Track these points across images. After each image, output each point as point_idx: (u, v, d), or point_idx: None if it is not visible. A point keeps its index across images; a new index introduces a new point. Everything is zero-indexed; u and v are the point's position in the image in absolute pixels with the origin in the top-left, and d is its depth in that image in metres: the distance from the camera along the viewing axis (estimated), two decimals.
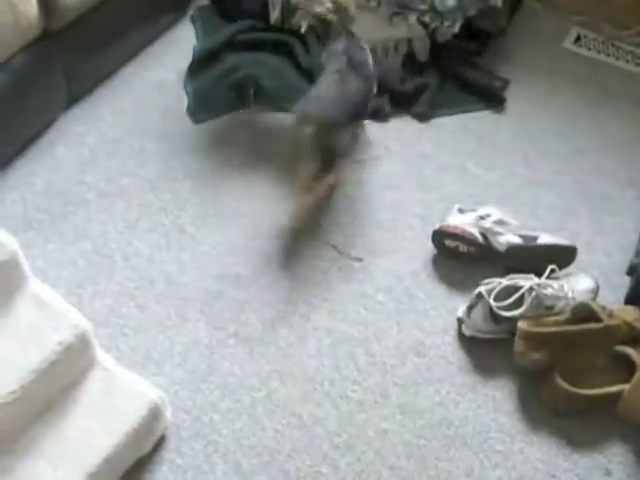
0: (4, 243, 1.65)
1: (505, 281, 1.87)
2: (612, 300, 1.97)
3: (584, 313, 1.84)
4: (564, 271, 1.98)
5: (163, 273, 2.02)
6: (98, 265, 2.04)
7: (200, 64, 2.63)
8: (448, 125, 2.49)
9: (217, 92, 2.55)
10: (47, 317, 1.63)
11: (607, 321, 1.81)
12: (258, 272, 2.03)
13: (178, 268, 2.03)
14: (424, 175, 2.31)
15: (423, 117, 2.50)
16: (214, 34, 2.74)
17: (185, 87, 2.58)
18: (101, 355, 1.73)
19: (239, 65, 2.58)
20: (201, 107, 2.52)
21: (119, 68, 2.65)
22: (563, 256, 2.01)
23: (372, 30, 2.60)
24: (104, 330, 1.87)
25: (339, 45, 2.21)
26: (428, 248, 2.08)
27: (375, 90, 2.27)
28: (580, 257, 2.03)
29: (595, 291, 1.96)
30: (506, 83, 2.60)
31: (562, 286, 1.89)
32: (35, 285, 1.71)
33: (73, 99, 2.49)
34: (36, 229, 2.12)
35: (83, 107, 2.51)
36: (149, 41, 2.76)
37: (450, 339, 1.92)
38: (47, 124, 2.42)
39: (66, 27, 2.33)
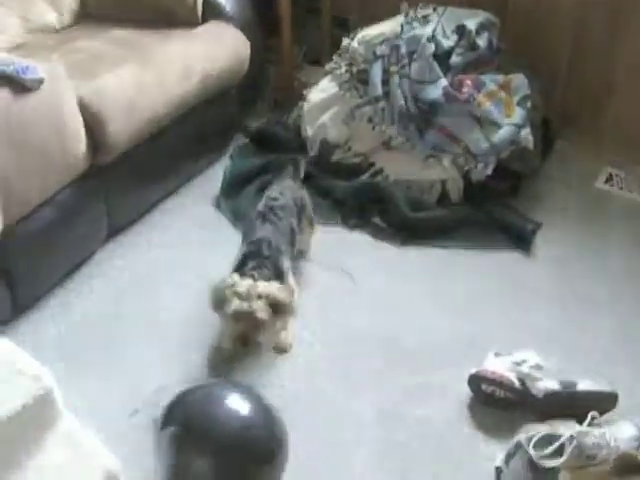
0: (40, 377, 1.63)
1: (545, 429, 1.82)
2: None
3: (628, 463, 1.77)
4: (605, 417, 1.92)
5: None
6: (134, 400, 2.01)
7: (231, 187, 2.80)
8: (483, 267, 2.51)
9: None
10: (77, 458, 1.60)
11: None
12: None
13: None
14: (460, 319, 2.30)
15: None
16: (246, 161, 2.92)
17: (220, 206, 2.74)
18: None
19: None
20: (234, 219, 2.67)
21: (159, 203, 2.74)
22: (604, 402, 1.95)
23: (407, 171, 2.68)
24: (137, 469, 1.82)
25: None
26: (465, 393, 2.04)
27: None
28: (621, 403, 1.97)
29: (639, 438, 1.90)
30: (538, 226, 2.62)
31: (604, 434, 1.83)
32: (68, 422, 1.70)
33: (113, 232, 2.57)
34: (71, 362, 2.12)
35: (122, 241, 2.58)
36: (190, 177, 2.87)
37: None
38: (87, 256, 2.48)
39: (112, 163, 2.42)
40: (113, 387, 2.06)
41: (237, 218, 2.67)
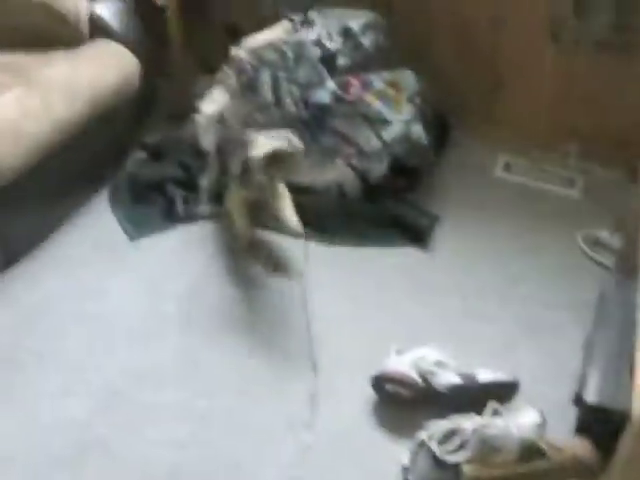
0: None
1: (446, 424, 1.84)
2: (563, 431, 1.93)
3: (532, 451, 1.81)
4: (508, 406, 1.95)
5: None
6: (31, 434, 1.95)
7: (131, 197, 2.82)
8: (380, 262, 2.51)
9: (146, 212, 2.73)
10: None
11: (556, 458, 1.78)
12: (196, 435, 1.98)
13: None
14: (360, 317, 2.30)
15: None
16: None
17: (115, 214, 2.73)
18: None
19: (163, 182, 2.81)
20: (135, 229, 2.66)
21: (56, 228, 2.67)
22: (505, 391, 1.99)
23: (304, 175, 2.66)
24: None
25: None
26: (368, 393, 2.04)
27: None
28: (524, 389, 2.01)
29: (543, 425, 1.93)
30: (435, 219, 2.65)
31: (507, 424, 1.85)
32: None
33: (9, 262, 2.48)
34: None
35: (19, 270, 2.49)
36: (86, 200, 2.81)
37: None
38: None
39: (0, 192, 2.34)
40: (11, 422, 1.99)
41: (138, 226, 2.67)
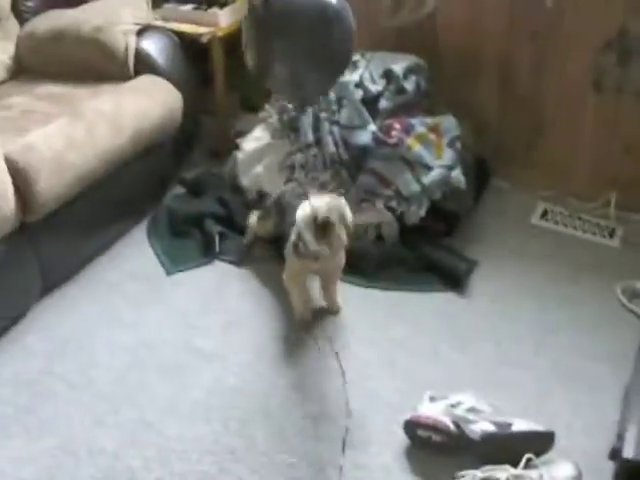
0: None
1: (480, 474, 1.81)
2: None
3: None
4: (543, 458, 1.91)
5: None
6: (61, 462, 1.97)
7: (169, 231, 2.86)
8: (418, 307, 2.50)
9: (184, 246, 2.75)
10: None
11: None
12: (224, 469, 1.96)
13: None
14: (395, 360, 2.29)
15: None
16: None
17: (153, 247, 2.76)
18: None
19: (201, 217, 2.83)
20: (172, 263, 2.68)
21: (94, 258, 2.71)
22: (540, 442, 1.94)
23: None
24: None
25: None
26: (401, 438, 2.01)
27: None
28: (559, 442, 1.96)
29: (577, 478, 1.89)
30: (473, 265, 2.64)
31: (541, 476, 1.82)
32: None
33: (47, 288, 2.52)
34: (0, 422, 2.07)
35: (57, 297, 2.54)
36: (125, 230, 2.85)
37: None
38: (20, 313, 2.44)
39: (43, 220, 2.39)
40: (41, 449, 2.00)
41: (175, 261, 2.69)
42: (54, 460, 1.98)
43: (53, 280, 2.55)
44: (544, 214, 2.98)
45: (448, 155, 2.66)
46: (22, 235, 2.34)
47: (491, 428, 1.94)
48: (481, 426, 1.95)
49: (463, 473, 1.83)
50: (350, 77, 2.72)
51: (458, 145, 2.70)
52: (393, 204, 2.64)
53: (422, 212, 2.64)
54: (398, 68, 2.77)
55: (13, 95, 2.82)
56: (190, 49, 3.10)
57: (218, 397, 2.17)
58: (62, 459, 1.98)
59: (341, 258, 2.36)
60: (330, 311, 2.46)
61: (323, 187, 2.70)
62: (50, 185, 2.34)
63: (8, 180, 2.23)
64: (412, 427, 1.99)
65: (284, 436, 2.04)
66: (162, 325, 2.43)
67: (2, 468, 1.95)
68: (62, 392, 2.18)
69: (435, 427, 1.95)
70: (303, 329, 2.39)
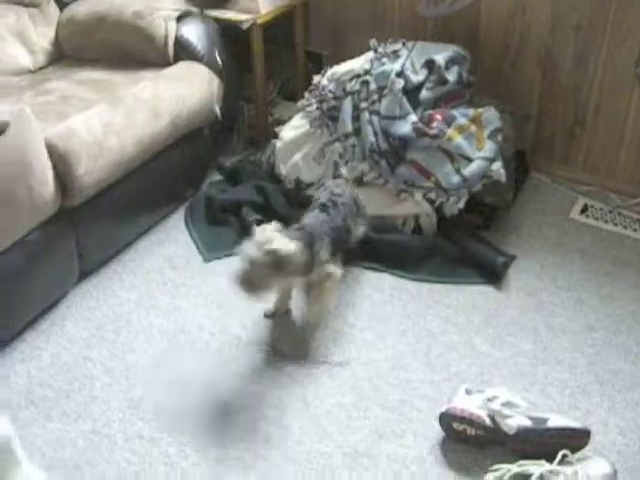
0: None
1: (514, 468, 1.80)
2: None
3: None
4: (577, 455, 1.89)
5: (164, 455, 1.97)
6: (97, 446, 1.99)
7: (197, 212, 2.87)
8: (454, 299, 2.49)
9: (221, 233, 2.76)
10: None
11: None
12: (259, 456, 1.97)
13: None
14: (431, 353, 2.28)
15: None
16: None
17: (190, 234, 2.78)
18: None
19: (238, 204, 2.82)
20: (209, 251, 2.69)
21: (131, 243, 2.73)
22: (576, 439, 1.93)
23: (380, 206, 2.66)
24: None
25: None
26: (436, 430, 2.01)
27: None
28: (594, 438, 1.95)
29: (612, 476, 1.87)
30: (511, 259, 2.61)
31: (576, 472, 1.80)
32: (27, 471, 1.67)
33: (85, 273, 2.55)
34: (38, 406, 2.10)
35: (94, 282, 2.57)
36: (163, 216, 2.86)
37: None
38: (58, 298, 2.47)
39: (82, 205, 2.41)
40: (79, 432, 2.03)
41: (212, 248, 2.70)
42: (91, 444, 2.00)
43: (91, 265, 2.57)
44: (584, 209, 2.94)
45: (489, 147, 2.63)
46: (61, 220, 2.36)
47: (527, 423, 1.92)
48: (517, 421, 1.93)
49: (497, 467, 1.82)
50: (392, 66, 2.70)
51: (499, 137, 2.66)
52: (432, 196, 2.63)
53: (461, 204, 2.61)
54: (440, 58, 2.73)
55: (53, 80, 2.84)
56: (230, 36, 3.09)
57: (254, 384, 2.18)
58: (98, 443, 2.00)
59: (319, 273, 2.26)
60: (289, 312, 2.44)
61: (362, 177, 2.70)
62: (90, 170, 2.36)
63: (48, 165, 2.25)
64: (447, 419, 1.98)
65: (316, 428, 2.05)
66: (198, 311, 2.44)
67: (42, 449, 1.98)
68: (99, 376, 2.21)
69: (470, 420, 1.94)
70: (265, 317, 2.41)
